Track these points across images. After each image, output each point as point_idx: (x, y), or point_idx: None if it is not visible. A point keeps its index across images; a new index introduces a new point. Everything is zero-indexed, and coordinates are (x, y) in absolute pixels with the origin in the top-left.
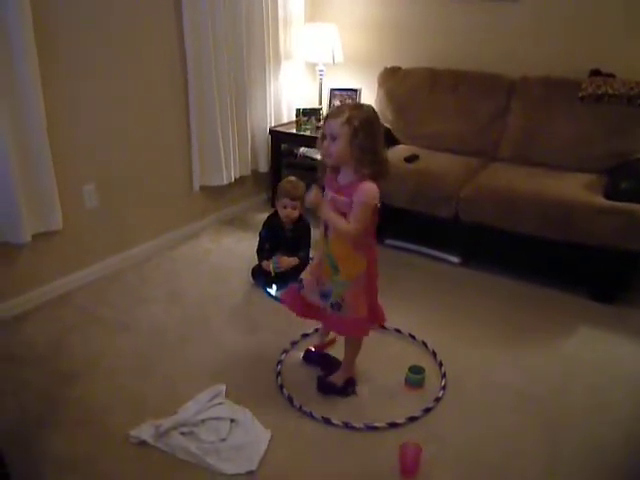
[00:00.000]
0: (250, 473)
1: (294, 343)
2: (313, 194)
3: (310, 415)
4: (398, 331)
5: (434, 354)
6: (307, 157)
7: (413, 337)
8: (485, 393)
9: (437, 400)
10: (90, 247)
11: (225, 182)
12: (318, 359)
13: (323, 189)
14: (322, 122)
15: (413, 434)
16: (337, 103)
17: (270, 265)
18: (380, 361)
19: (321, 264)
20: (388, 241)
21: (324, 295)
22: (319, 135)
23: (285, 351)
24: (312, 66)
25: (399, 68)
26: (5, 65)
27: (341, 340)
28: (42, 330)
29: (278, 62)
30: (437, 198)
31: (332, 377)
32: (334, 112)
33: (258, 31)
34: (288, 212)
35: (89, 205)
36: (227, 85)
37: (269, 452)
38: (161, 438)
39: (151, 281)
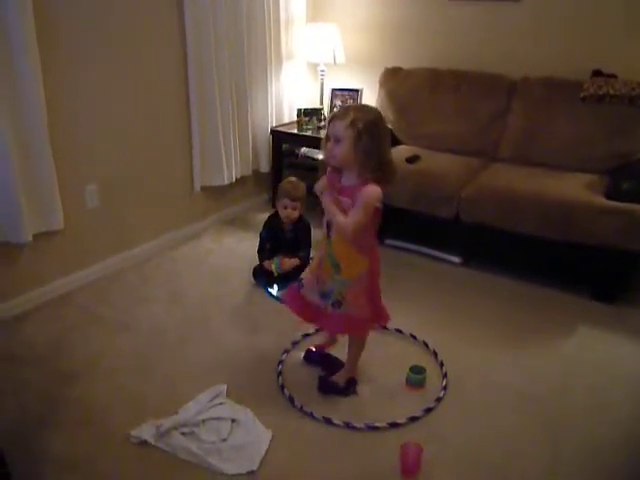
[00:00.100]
0: (251, 473)
1: (295, 343)
2: (324, 182)
3: (311, 415)
4: (399, 331)
5: (435, 354)
6: (308, 157)
7: (414, 337)
8: (486, 393)
9: (438, 400)
10: (91, 247)
11: (226, 182)
12: (319, 359)
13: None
14: (326, 123)
15: (414, 434)
16: (338, 103)
17: (272, 265)
18: (381, 361)
19: (322, 263)
20: (389, 241)
21: (324, 295)
22: (324, 136)
23: (286, 351)
24: (313, 66)
25: (400, 68)
26: (6, 65)
27: (342, 340)
28: (42, 330)
29: (279, 62)
30: (438, 198)
31: (334, 377)
32: (339, 113)
33: (260, 31)
34: (288, 212)
35: (90, 205)
36: (228, 85)
37: (270, 452)
38: (162, 438)
39: (152, 281)
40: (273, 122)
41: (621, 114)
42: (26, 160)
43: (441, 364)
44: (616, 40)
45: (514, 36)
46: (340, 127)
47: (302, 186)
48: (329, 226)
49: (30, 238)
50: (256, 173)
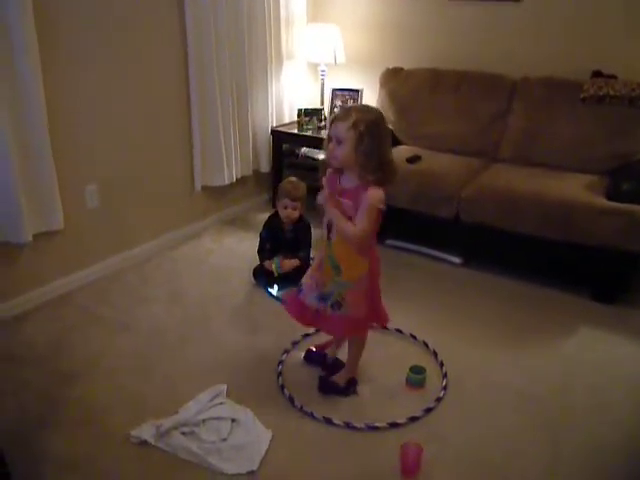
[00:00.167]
0: (251, 473)
1: (295, 343)
2: (326, 193)
3: (311, 415)
4: (399, 331)
5: (435, 354)
6: (308, 157)
7: (414, 337)
8: (486, 393)
9: (438, 400)
10: (91, 247)
11: (226, 182)
12: (319, 359)
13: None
14: (328, 123)
15: (414, 434)
16: (339, 103)
17: (272, 265)
18: (381, 361)
19: (321, 266)
20: (389, 241)
21: (324, 298)
22: (325, 136)
23: (286, 351)
24: (314, 66)
25: (401, 69)
26: (6, 65)
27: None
28: (42, 330)
29: (280, 62)
30: (438, 198)
31: (335, 377)
32: (341, 114)
33: (260, 31)
34: (288, 212)
35: (90, 205)
36: (229, 85)
37: (270, 452)
38: (162, 438)
39: (152, 281)
40: (273, 122)
41: (621, 115)
42: (26, 160)
43: (441, 364)
44: (616, 41)
45: (514, 36)
46: (342, 129)
47: (302, 186)
48: (329, 227)
49: (30, 238)
50: (256, 173)
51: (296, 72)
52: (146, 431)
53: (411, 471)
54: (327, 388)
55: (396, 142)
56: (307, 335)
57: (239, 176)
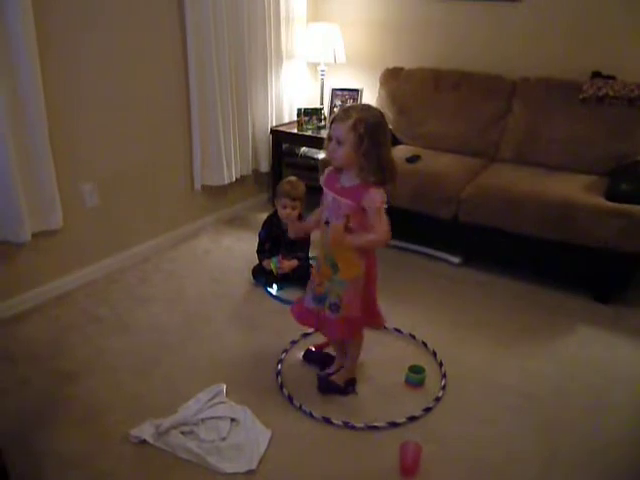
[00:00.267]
0: (250, 472)
1: (294, 342)
2: (337, 233)
3: (310, 414)
4: (398, 331)
5: (434, 354)
6: (308, 157)
7: (413, 337)
8: (485, 393)
9: (437, 400)
10: (90, 246)
11: (226, 181)
12: (318, 358)
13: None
14: (328, 123)
15: (413, 433)
16: (339, 103)
17: (271, 264)
18: (380, 361)
19: (320, 265)
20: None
21: (320, 299)
22: (325, 135)
23: (285, 350)
24: (314, 66)
25: (401, 68)
26: (5, 63)
27: None
28: (41, 329)
29: (280, 62)
30: (438, 199)
31: (334, 377)
32: (341, 115)
33: (260, 30)
34: (287, 212)
35: (89, 204)
36: (228, 84)
37: (269, 451)
38: (161, 437)
39: (151, 281)
40: (273, 122)
41: (620, 115)
42: (25, 159)
43: (440, 364)
44: (615, 41)
45: (514, 37)
46: (342, 130)
47: (301, 186)
48: (327, 226)
49: (29, 237)
50: (256, 172)
51: (296, 71)
52: (145, 430)
53: (410, 470)
54: (326, 387)
55: (396, 142)
56: (306, 334)
57: (238, 175)
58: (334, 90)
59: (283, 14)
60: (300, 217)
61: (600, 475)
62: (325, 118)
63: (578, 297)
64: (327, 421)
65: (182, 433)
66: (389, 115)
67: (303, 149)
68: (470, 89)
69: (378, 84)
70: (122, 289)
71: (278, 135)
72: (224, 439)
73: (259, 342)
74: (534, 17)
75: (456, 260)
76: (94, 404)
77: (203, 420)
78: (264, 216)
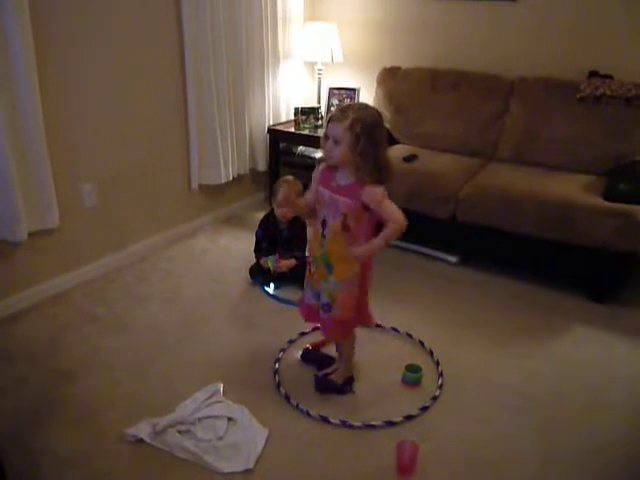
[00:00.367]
0: (247, 471)
1: (291, 341)
2: (364, 254)
3: (307, 413)
4: (395, 330)
5: (431, 353)
6: (305, 156)
7: (410, 336)
8: (482, 392)
9: (434, 399)
10: (87, 245)
11: (223, 181)
12: (315, 358)
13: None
14: (325, 122)
15: (410, 432)
16: (336, 102)
17: (268, 262)
18: (377, 360)
19: (316, 267)
20: None
21: (318, 296)
22: (322, 134)
23: (283, 349)
24: (311, 65)
25: (398, 68)
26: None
27: None
28: (38, 328)
29: (277, 61)
30: (435, 198)
31: (332, 376)
32: (338, 115)
33: (257, 29)
34: (284, 211)
35: (88, 204)
36: (226, 83)
37: (266, 450)
38: (158, 436)
39: (148, 280)
40: (270, 121)
41: (618, 115)
42: (22, 158)
43: (437, 363)
44: (613, 41)
45: (512, 37)
46: (339, 129)
47: (298, 185)
48: (324, 225)
49: (25, 236)
50: (253, 172)
51: (293, 71)
52: (142, 429)
53: (407, 469)
54: (323, 386)
55: (393, 141)
56: (303, 333)
57: (236, 175)
58: (331, 89)
59: (280, 14)
60: (296, 216)
61: (597, 475)
62: (322, 117)
63: (574, 297)
64: (324, 420)
65: (179, 432)
66: (386, 114)
67: (300, 148)
68: (468, 89)
69: (375, 83)
70: (119, 288)
71: (275, 134)
72: (221, 438)
73: (256, 341)
74: (532, 17)
75: (453, 260)
76: (91, 403)
77: (200, 419)
78: (261, 215)
